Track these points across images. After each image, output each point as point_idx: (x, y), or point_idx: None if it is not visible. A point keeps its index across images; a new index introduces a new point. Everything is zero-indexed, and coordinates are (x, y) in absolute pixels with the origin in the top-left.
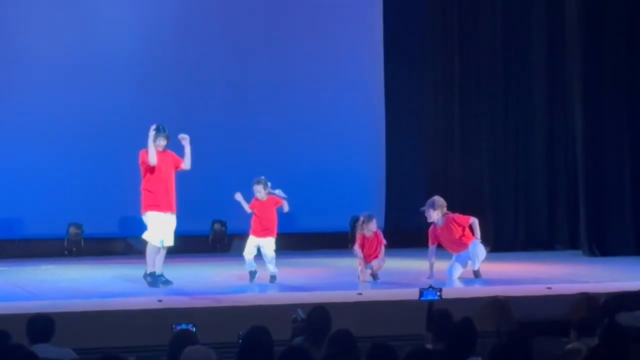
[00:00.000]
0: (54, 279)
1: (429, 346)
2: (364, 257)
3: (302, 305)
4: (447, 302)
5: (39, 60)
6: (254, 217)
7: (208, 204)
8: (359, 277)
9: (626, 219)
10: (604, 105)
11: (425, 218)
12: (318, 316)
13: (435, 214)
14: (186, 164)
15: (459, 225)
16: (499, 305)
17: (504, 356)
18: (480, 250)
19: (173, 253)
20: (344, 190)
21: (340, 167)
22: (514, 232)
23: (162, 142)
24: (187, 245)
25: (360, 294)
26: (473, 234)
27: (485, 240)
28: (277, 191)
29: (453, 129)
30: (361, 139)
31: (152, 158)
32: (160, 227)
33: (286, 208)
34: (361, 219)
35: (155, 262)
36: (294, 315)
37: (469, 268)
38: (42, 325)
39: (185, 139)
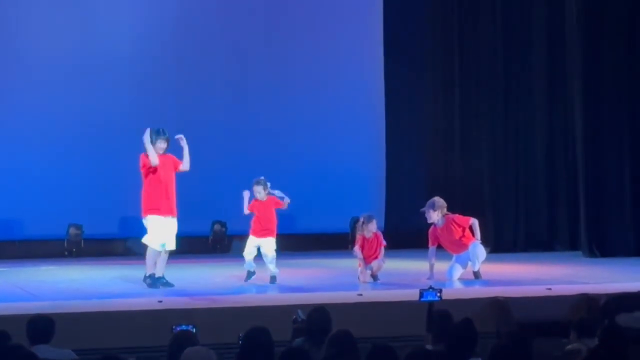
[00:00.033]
0: (54, 279)
1: (429, 347)
2: (364, 258)
3: (302, 306)
4: (447, 303)
5: (39, 60)
6: (254, 217)
7: (208, 204)
8: (359, 278)
9: (626, 219)
10: (604, 105)
11: (425, 219)
12: (318, 317)
13: (436, 215)
14: (185, 164)
15: (459, 226)
16: (499, 306)
17: (504, 357)
18: (480, 251)
19: (173, 254)
20: (343, 191)
21: (340, 167)
22: (514, 232)
23: (162, 144)
24: (187, 246)
25: (361, 294)
26: (473, 234)
27: (485, 241)
28: (276, 192)
29: (453, 129)
30: (361, 139)
31: (153, 158)
32: (160, 231)
33: (285, 205)
34: (361, 219)
35: (156, 265)
36: (294, 316)
37: (469, 269)
38: (42, 326)
39: (182, 139)
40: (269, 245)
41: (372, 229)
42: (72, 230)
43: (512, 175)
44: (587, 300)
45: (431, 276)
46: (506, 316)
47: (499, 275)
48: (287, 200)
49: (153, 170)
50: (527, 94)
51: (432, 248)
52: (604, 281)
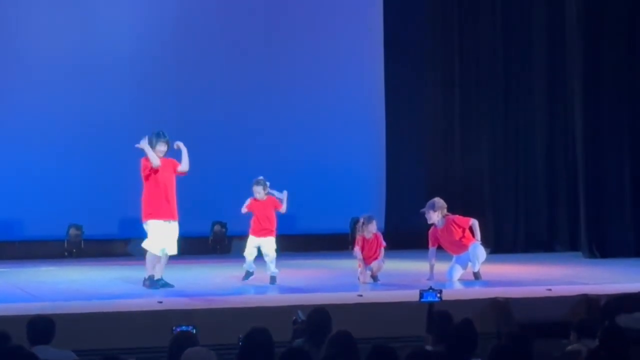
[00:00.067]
0: (54, 280)
1: (429, 348)
2: (364, 258)
3: (302, 307)
4: (447, 304)
5: (39, 60)
6: (253, 217)
7: (208, 205)
8: (359, 279)
9: (626, 219)
10: (604, 105)
11: (426, 219)
12: (318, 318)
13: (436, 216)
14: (183, 166)
15: (459, 226)
16: (499, 307)
17: (504, 358)
18: (481, 252)
19: (173, 254)
20: (343, 191)
21: (340, 167)
22: (514, 233)
23: (163, 147)
24: (187, 247)
25: (361, 295)
26: (473, 235)
27: (485, 242)
28: (275, 192)
29: (453, 129)
30: (361, 139)
31: (154, 160)
32: (160, 236)
33: (283, 210)
34: (361, 220)
35: (155, 268)
36: (294, 317)
37: (469, 270)
38: (42, 327)
39: (181, 145)
40: (269, 244)
41: (372, 229)
42: (72, 231)
43: (512, 175)
44: (587, 301)
45: (431, 277)
46: (506, 317)
47: (499, 276)
48: (284, 205)
49: (153, 173)
50: (527, 94)
51: (432, 249)
52: (604, 282)
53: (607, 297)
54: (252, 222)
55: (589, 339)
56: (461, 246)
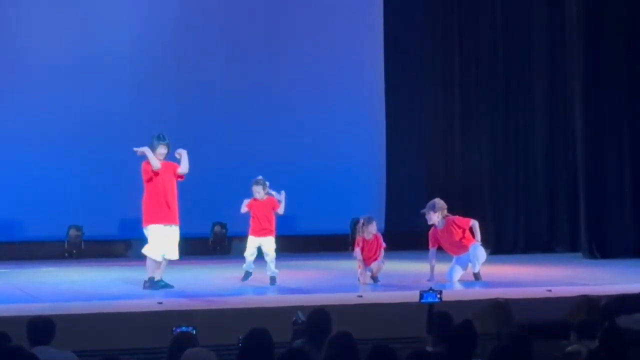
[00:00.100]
0: (55, 281)
1: (429, 348)
2: (364, 259)
3: (302, 308)
4: (447, 305)
5: (39, 60)
6: (252, 217)
7: (208, 206)
8: (359, 280)
9: (626, 219)
10: (604, 105)
11: (426, 220)
12: (318, 318)
13: (436, 217)
14: (183, 167)
15: (459, 227)
16: (499, 308)
17: (504, 358)
18: (481, 253)
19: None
20: (344, 192)
21: (340, 168)
22: (514, 234)
23: (163, 150)
24: (187, 248)
25: (361, 296)
26: (473, 236)
27: (485, 243)
28: (274, 193)
29: (453, 129)
30: (361, 139)
31: (155, 163)
32: (160, 242)
33: (281, 211)
34: (361, 221)
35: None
36: (294, 318)
37: (469, 270)
38: (42, 328)
39: (182, 153)
40: (269, 244)
41: (372, 230)
42: (73, 232)
43: (512, 175)
44: (587, 302)
45: (431, 278)
46: (506, 317)
47: (499, 276)
48: (282, 206)
49: (154, 176)
50: (527, 94)
51: (432, 249)
52: (604, 283)
53: (607, 298)
54: (251, 222)
55: (589, 339)
56: (461, 247)
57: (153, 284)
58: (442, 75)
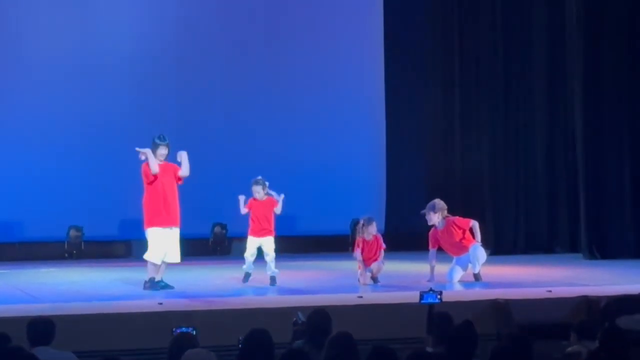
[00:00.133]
0: (55, 281)
1: (429, 349)
2: (364, 260)
3: (302, 308)
4: (447, 305)
5: (39, 60)
6: (251, 217)
7: (208, 206)
8: (359, 280)
9: (626, 219)
10: (604, 105)
11: (426, 221)
12: (318, 319)
13: (436, 217)
14: (183, 170)
15: (460, 228)
16: (499, 308)
17: (505, 359)
18: (481, 253)
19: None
20: (344, 193)
21: (341, 168)
22: (514, 234)
23: (163, 151)
24: (187, 248)
25: (361, 296)
26: (473, 237)
27: (485, 243)
28: (274, 194)
29: (453, 129)
30: (361, 140)
31: (154, 167)
32: (160, 245)
33: (278, 211)
34: (361, 222)
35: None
36: (294, 318)
37: (470, 271)
38: (42, 328)
39: (182, 155)
40: (269, 244)
41: (372, 231)
42: (73, 232)
43: (512, 175)
44: (587, 303)
45: (431, 278)
46: (506, 318)
47: (499, 277)
48: (280, 206)
49: (153, 179)
50: (527, 94)
51: (432, 250)
52: (604, 283)
53: (607, 299)
54: (251, 223)
55: (589, 340)
56: (461, 247)
57: (153, 285)
58: (442, 75)
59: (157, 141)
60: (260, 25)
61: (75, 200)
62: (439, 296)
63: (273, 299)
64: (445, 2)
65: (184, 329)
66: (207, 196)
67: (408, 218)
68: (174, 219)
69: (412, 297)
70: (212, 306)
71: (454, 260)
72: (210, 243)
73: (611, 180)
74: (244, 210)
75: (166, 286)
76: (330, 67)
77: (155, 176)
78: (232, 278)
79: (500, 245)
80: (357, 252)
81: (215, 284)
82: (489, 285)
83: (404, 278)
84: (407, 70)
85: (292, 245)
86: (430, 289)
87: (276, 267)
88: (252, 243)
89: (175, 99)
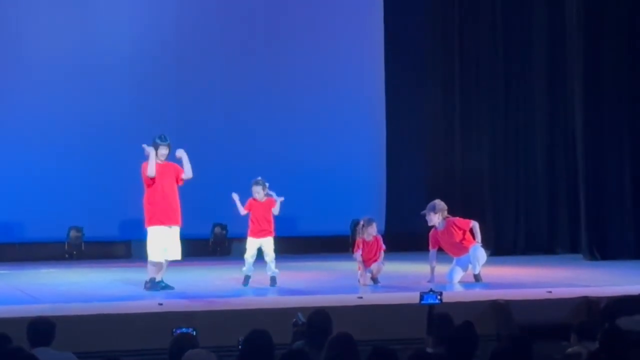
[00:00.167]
0: (55, 282)
1: (429, 350)
2: (364, 261)
3: (302, 309)
4: (447, 306)
5: (39, 60)
6: (251, 218)
7: (209, 207)
8: (359, 281)
9: (626, 220)
10: (604, 105)
11: (426, 221)
12: (318, 320)
13: (436, 218)
14: (186, 173)
15: (460, 228)
16: (500, 309)
17: None
18: (481, 254)
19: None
20: (344, 193)
21: (341, 169)
22: (514, 235)
23: (164, 151)
24: (188, 249)
25: (361, 297)
26: (474, 237)
27: (485, 244)
28: (273, 194)
29: (453, 129)
30: (361, 140)
31: (151, 169)
32: (161, 244)
33: (276, 212)
34: (361, 223)
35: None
36: (295, 319)
37: (470, 272)
38: (42, 329)
39: (182, 153)
40: (269, 244)
41: (372, 232)
42: (73, 233)
43: (512, 175)
44: (587, 303)
45: (432, 279)
46: (507, 319)
47: (499, 278)
48: (278, 207)
49: (151, 183)
50: (527, 94)
51: (432, 251)
52: (604, 284)
53: (608, 300)
54: (250, 223)
55: (589, 341)
56: (461, 248)
57: (154, 285)
58: (442, 75)
59: (158, 141)
60: (260, 25)
61: (75, 201)
62: (439, 297)
63: (273, 300)
64: (445, 2)
65: (184, 330)
66: (207, 196)
67: (408, 218)
68: (174, 218)
69: (412, 297)
70: (212, 307)
71: (454, 261)
72: (210, 243)
73: (611, 180)
74: (243, 211)
75: (166, 287)
76: (330, 67)
77: (153, 179)
78: (232, 279)
79: (500, 246)
80: (357, 253)
81: (215, 284)
82: (489, 285)
83: (404, 279)
84: (407, 70)
85: (292, 245)
86: (431, 290)
87: (276, 268)
88: (252, 244)
89: (175, 99)
